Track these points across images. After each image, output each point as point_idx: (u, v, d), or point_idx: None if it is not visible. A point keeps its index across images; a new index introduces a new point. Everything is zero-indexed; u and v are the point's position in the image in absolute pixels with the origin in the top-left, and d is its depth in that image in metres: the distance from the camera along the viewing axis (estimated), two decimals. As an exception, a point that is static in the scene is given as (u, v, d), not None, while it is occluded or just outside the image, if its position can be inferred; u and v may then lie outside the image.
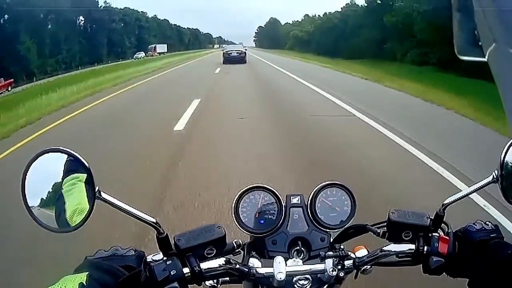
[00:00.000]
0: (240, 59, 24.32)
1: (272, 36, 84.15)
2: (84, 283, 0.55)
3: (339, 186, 0.82)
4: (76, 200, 0.61)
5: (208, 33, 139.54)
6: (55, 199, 0.61)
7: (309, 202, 0.80)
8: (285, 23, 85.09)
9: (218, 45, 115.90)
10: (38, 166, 0.61)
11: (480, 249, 0.68)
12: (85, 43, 46.44)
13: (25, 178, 0.60)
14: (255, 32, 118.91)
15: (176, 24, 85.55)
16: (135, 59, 49.07)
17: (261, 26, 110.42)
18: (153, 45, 64.41)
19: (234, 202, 0.80)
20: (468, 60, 0.50)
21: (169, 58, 39.98)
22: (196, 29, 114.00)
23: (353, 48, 29.66)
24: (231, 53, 25.26)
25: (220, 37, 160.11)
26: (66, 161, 0.62)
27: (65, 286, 0.54)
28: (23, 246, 2.83)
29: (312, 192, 0.81)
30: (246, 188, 0.81)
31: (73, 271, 0.58)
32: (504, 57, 0.41)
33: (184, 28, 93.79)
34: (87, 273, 0.56)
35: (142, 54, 56.79)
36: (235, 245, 0.75)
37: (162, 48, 65.94)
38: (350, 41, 31.26)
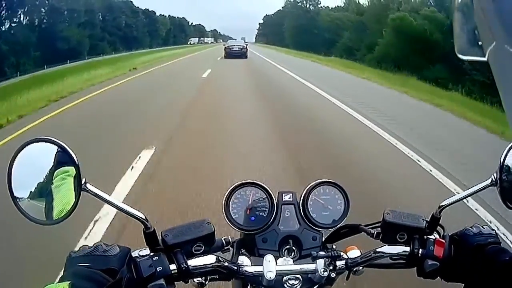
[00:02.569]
0: (241, 54, 23.98)
1: (299, 25, 47.45)
2: None
3: (332, 185, 0.80)
4: (64, 198, 0.60)
5: (199, 24, 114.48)
6: (44, 192, 0.60)
7: (301, 200, 0.79)
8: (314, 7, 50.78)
9: (197, 39, 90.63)
10: (27, 155, 0.59)
11: (477, 254, 0.66)
12: None
13: (12, 168, 0.58)
14: (259, 24, 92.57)
15: (147, 9, 56.82)
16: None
17: (268, 15, 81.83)
18: None
19: (225, 197, 0.78)
20: (468, 60, 0.49)
21: None
22: (183, 18, 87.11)
23: None
24: (232, 47, 24.90)
25: (215, 30, 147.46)
26: (57, 152, 0.60)
27: None
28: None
29: (305, 190, 0.79)
30: (237, 184, 0.79)
31: (58, 279, 0.57)
32: (504, 57, 0.41)
33: (162, 16, 65.31)
34: (70, 282, 0.55)
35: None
36: (224, 242, 0.73)
37: None
38: None
